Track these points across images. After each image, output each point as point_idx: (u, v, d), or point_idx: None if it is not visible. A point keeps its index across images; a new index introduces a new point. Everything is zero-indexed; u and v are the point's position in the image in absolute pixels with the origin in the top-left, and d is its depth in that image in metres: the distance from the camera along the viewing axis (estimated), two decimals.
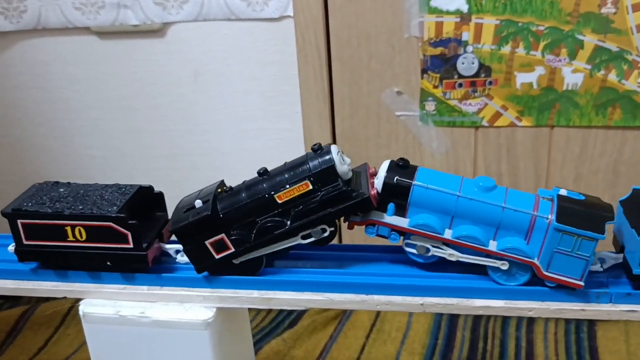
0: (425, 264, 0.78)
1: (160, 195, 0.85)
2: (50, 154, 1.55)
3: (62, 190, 0.82)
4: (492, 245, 0.72)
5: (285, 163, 0.76)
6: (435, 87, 1.26)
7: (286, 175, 0.73)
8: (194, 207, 0.76)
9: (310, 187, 0.72)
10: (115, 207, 0.77)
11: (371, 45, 1.25)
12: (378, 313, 1.46)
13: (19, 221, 0.78)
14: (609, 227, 0.70)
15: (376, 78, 1.28)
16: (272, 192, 0.73)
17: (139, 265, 0.80)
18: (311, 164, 0.72)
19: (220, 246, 0.76)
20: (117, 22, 1.34)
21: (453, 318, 1.43)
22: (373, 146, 1.34)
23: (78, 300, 1.49)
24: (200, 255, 0.77)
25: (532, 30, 1.18)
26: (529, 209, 0.71)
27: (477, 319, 1.42)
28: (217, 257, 0.76)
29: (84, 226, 0.77)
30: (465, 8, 1.19)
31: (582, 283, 0.70)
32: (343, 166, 0.73)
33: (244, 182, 0.77)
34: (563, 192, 0.73)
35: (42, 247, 0.79)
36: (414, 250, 0.76)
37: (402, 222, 0.74)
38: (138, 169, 1.51)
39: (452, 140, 1.31)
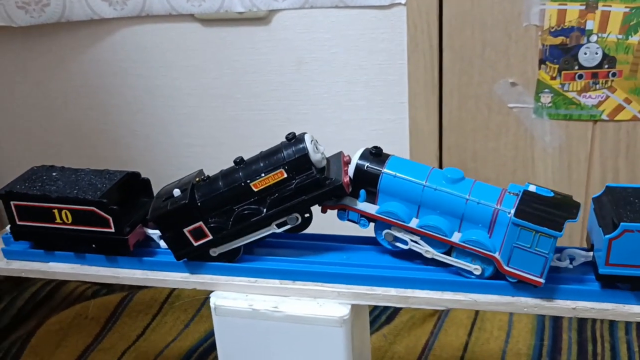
0: (401, 252, 0.78)
1: (147, 182, 0.87)
2: (147, 141, 1.55)
3: (54, 174, 0.85)
4: (456, 237, 0.73)
5: (260, 152, 0.76)
6: (553, 78, 1.20)
7: (261, 164, 0.75)
8: (172, 195, 0.77)
9: (285, 175, 0.74)
10: (98, 193, 0.79)
11: (486, 33, 1.21)
12: (477, 311, 1.42)
13: (11, 202, 0.82)
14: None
15: (489, 68, 1.23)
16: (248, 181, 0.75)
17: (121, 249, 0.81)
18: (285, 153, 0.74)
19: (198, 234, 0.77)
20: (222, 9, 1.33)
21: (557, 319, 1.38)
22: (481, 138, 1.30)
23: (173, 290, 1.50)
24: (179, 243, 0.78)
25: None
26: (492, 203, 0.71)
27: (582, 320, 1.37)
28: (195, 244, 0.78)
29: (69, 209, 0.80)
30: None
31: (542, 280, 0.70)
32: (317, 155, 0.74)
33: (221, 171, 0.78)
34: (532, 187, 0.72)
35: (33, 227, 0.83)
36: (382, 237, 0.77)
37: (371, 208, 0.76)
38: None
39: (567, 134, 1.25)
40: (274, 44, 1.36)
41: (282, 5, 1.31)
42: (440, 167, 1.36)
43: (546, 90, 1.22)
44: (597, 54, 1.16)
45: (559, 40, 1.17)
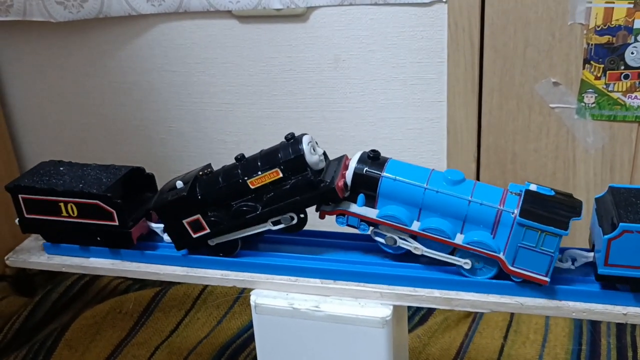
0: (396, 254, 0.78)
1: (152, 177, 0.89)
2: (182, 138, 1.55)
3: (62, 168, 0.87)
4: (459, 239, 0.72)
5: (261, 150, 0.78)
6: (598, 78, 1.18)
7: (259, 163, 0.76)
8: (175, 187, 0.80)
9: (281, 174, 0.75)
10: (103, 187, 0.81)
11: (529, 32, 1.19)
12: (512, 314, 1.40)
13: (19, 196, 0.84)
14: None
15: (531, 68, 1.21)
16: (246, 178, 0.76)
17: (124, 242, 0.83)
18: (282, 153, 0.75)
19: (196, 226, 0.79)
20: (259, 6, 1.33)
21: (595, 324, 1.35)
22: (521, 139, 1.28)
23: (206, 286, 1.50)
24: (179, 234, 0.80)
25: None
26: (495, 203, 0.71)
27: (620, 326, 1.34)
28: (194, 236, 0.79)
29: (75, 203, 0.82)
30: None
31: (547, 279, 0.70)
32: (313, 156, 0.75)
33: (223, 167, 0.80)
34: (533, 187, 0.72)
35: (40, 220, 0.85)
36: (383, 241, 0.76)
37: (371, 212, 0.75)
38: None
39: (611, 135, 1.22)
40: (311, 41, 1.35)
41: (320, 2, 1.30)
42: (479, 167, 1.34)
43: (590, 90, 1.19)
44: None
45: (604, 39, 1.14)
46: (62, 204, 0.82)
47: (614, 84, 1.17)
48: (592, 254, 0.73)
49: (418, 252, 0.75)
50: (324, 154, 0.79)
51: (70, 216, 0.83)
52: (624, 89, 1.17)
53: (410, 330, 1.36)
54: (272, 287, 0.81)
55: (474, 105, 1.27)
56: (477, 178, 1.34)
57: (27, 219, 0.85)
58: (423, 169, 0.75)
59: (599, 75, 1.17)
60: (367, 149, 0.72)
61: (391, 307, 0.77)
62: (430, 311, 1.41)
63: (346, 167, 0.76)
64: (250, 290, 0.82)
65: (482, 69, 1.24)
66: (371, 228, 0.77)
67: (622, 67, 1.16)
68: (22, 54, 1.58)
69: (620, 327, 1.33)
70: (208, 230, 0.79)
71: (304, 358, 0.81)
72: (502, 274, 0.73)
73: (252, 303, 0.80)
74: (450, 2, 1.20)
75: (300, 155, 0.74)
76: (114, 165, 0.87)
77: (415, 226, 0.74)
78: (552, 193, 0.71)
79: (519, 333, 1.34)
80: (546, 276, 0.70)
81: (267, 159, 0.76)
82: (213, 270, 0.83)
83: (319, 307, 0.78)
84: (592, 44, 1.16)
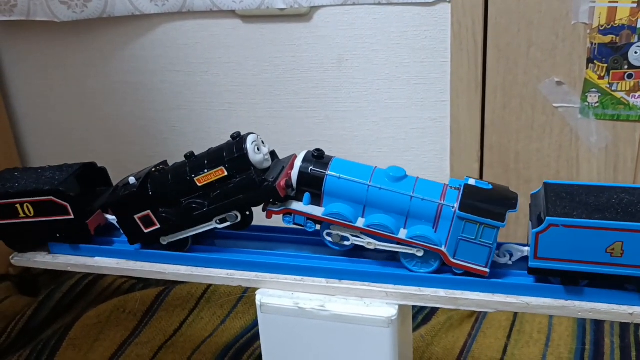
0: (344, 252, 0.80)
1: (104, 171, 0.91)
2: (184, 138, 1.56)
3: (16, 174, 0.88)
4: (402, 234, 0.74)
5: (209, 149, 0.79)
6: (601, 77, 1.18)
7: (206, 161, 0.77)
8: (129, 183, 0.80)
9: (226, 173, 0.76)
10: (56, 182, 0.83)
11: (532, 32, 1.19)
12: (516, 313, 1.40)
13: None
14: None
15: (534, 67, 1.21)
16: (193, 175, 0.77)
17: (82, 235, 0.84)
18: (227, 152, 0.76)
19: (147, 222, 0.80)
20: (263, 6, 1.33)
21: (599, 323, 1.35)
22: (524, 139, 1.28)
23: (209, 285, 1.50)
24: (131, 228, 0.81)
25: None
26: (435, 198, 0.73)
27: (624, 325, 1.34)
28: (145, 231, 0.81)
29: (30, 202, 0.83)
30: None
31: (487, 270, 0.72)
32: (257, 155, 0.76)
33: (174, 164, 0.81)
34: (471, 181, 0.74)
35: (1, 225, 0.85)
36: (330, 239, 0.78)
37: (317, 210, 0.76)
38: None
39: (614, 134, 1.22)
40: (315, 40, 1.35)
41: (323, 1, 1.30)
42: (482, 166, 1.34)
43: (593, 89, 1.19)
44: None
45: (608, 38, 1.14)
46: (18, 205, 0.83)
47: (618, 83, 1.17)
48: (527, 248, 0.75)
49: (371, 247, 0.77)
50: (272, 153, 0.81)
51: (27, 216, 0.84)
52: (628, 89, 1.17)
53: (413, 330, 1.36)
54: (278, 286, 0.81)
55: (478, 104, 1.27)
56: (481, 177, 1.34)
57: None
58: (366, 167, 0.76)
59: (602, 74, 1.17)
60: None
61: (397, 307, 0.77)
62: (433, 311, 1.41)
63: (292, 167, 0.78)
64: (255, 290, 0.82)
65: (485, 68, 1.24)
66: (318, 226, 0.78)
67: (626, 67, 1.16)
68: (25, 53, 1.58)
69: (624, 327, 1.33)
70: (158, 226, 0.80)
71: (309, 357, 0.81)
72: (444, 268, 0.76)
73: (257, 302, 0.80)
74: (454, 1, 1.20)
75: (244, 155, 0.76)
76: (66, 164, 0.89)
77: (360, 223, 0.75)
78: (490, 187, 0.74)
79: (522, 333, 1.34)
80: (486, 267, 0.72)
81: (213, 157, 0.77)
82: (218, 269, 0.82)
83: (325, 307, 0.78)
84: (595, 44, 1.16)
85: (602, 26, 1.14)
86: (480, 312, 1.40)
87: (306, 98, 1.41)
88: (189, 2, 1.37)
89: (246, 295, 1.47)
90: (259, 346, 1.33)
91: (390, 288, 0.77)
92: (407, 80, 1.33)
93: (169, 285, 1.51)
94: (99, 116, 1.59)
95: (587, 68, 1.18)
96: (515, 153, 1.30)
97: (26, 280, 1.64)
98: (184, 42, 1.44)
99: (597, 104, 1.20)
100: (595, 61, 1.17)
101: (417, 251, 0.75)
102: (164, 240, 0.82)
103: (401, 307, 0.78)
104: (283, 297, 0.80)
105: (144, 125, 1.57)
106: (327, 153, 0.78)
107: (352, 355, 0.79)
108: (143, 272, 0.85)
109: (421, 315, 1.41)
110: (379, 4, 1.27)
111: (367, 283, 0.78)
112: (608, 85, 1.18)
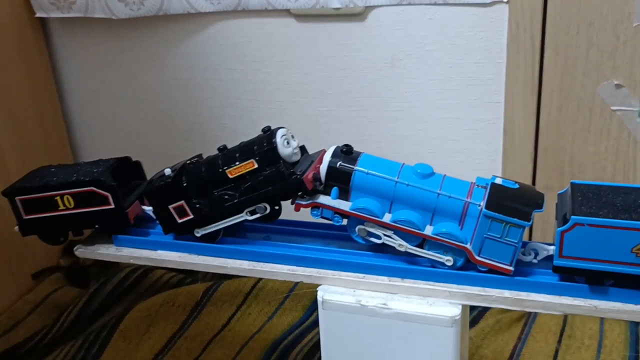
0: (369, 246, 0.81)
1: (139, 165, 0.93)
2: (235, 135, 1.57)
3: (52, 169, 0.90)
4: (428, 230, 0.75)
5: (241, 142, 0.82)
6: None
7: (237, 154, 0.80)
8: (164, 174, 0.84)
9: (256, 165, 0.78)
10: (95, 174, 0.85)
11: (592, 34, 1.17)
12: (566, 317, 1.38)
13: (16, 198, 0.86)
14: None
15: (593, 69, 1.20)
16: (225, 168, 0.80)
17: (122, 224, 0.86)
18: (257, 145, 0.79)
19: (181, 212, 0.83)
20: (318, 5, 1.33)
21: None
22: (580, 142, 1.26)
23: (259, 280, 1.50)
24: (165, 218, 0.84)
25: None
26: (462, 196, 0.74)
27: None
28: (179, 221, 0.83)
29: (70, 194, 0.84)
30: None
31: (511, 268, 0.73)
32: (286, 149, 0.79)
33: (207, 157, 0.84)
34: (498, 180, 0.75)
35: (39, 219, 0.86)
36: (357, 232, 0.79)
37: (345, 205, 0.78)
38: None
39: None
40: (369, 40, 1.36)
41: (378, 1, 1.30)
42: (535, 169, 1.33)
43: None
44: None
45: None
46: (58, 198, 0.85)
47: None
48: (552, 247, 0.75)
49: (402, 249, 0.78)
50: (302, 147, 0.83)
51: (67, 208, 0.85)
52: None
53: None
54: (339, 283, 0.81)
55: (533, 106, 1.26)
56: (533, 180, 1.33)
57: (26, 221, 0.87)
58: (394, 163, 0.77)
59: None
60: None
61: (460, 307, 0.77)
62: (481, 313, 1.40)
63: (321, 161, 0.79)
64: (303, 287, 0.83)
65: (542, 70, 1.23)
66: (345, 220, 0.79)
67: None
68: (80, 49, 1.61)
69: None
70: (192, 216, 0.82)
71: (370, 355, 0.81)
72: (469, 265, 0.76)
73: (319, 299, 0.80)
74: (512, 2, 1.20)
75: (274, 148, 0.78)
76: (101, 159, 0.91)
77: (387, 218, 0.76)
78: (517, 186, 0.74)
79: (573, 338, 1.33)
80: (510, 265, 0.73)
81: (244, 150, 0.80)
82: (280, 265, 0.83)
83: (387, 305, 0.78)
84: None
85: None
86: (530, 316, 1.39)
87: (358, 97, 1.42)
88: (244, 1, 1.39)
89: (293, 292, 1.47)
90: (307, 343, 1.35)
91: (454, 288, 0.77)
92: (461, 81, 1.33)
93: (216, 280, 1.52)
94: (151, 112, 1.62)
95: None
96: (570, 156, 1.28)
97: (76, 272, 1.67)
98: (237, 40, 1.46)
99: None
100: None
101: (447, 260, 0.76)
102: (198, 232, 0.84)
103: (464, 307, 0.78)
104: (345, 294, 0.80)
105: (196, 121, 1.59)
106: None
107: (413, 354, 0.79)
108: (205, 265, 0.86)
109: (470, 317, 1.40)
110: (435, 4, 1.27)
111: (429, 282, 0.78)
112: None
